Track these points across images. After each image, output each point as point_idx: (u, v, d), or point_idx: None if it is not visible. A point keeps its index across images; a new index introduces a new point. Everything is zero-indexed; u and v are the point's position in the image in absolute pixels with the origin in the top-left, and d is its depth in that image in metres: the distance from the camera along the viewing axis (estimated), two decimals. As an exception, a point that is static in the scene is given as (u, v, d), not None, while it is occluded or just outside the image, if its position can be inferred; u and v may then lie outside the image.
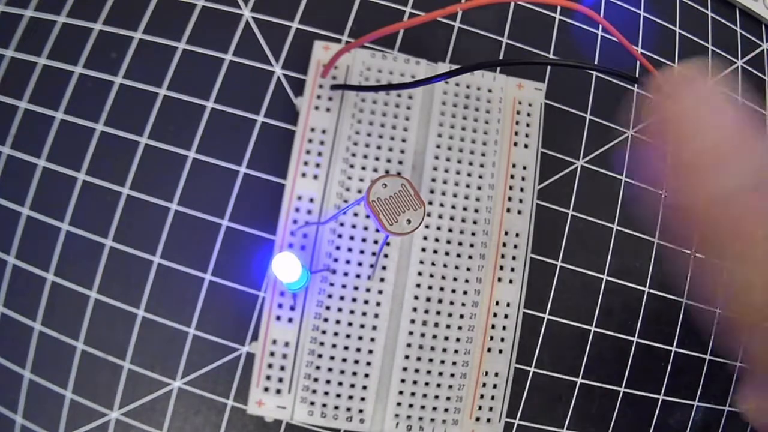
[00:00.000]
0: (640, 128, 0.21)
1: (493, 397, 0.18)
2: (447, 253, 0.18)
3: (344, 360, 0.17)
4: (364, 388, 0.17)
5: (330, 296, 0.17)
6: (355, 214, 0.18)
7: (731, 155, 0.11)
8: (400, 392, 0.17)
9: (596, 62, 0.21)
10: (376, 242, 0.18)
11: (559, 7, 0.22)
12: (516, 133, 0.19)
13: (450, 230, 0.18)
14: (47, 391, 0.17)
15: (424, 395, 0.17)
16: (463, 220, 0.18)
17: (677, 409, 0.20)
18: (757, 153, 0.11)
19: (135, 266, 0.18)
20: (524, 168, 0.19)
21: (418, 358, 0.17)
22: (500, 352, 0.18)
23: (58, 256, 0.18)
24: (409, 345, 0.17)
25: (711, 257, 0.11)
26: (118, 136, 0.19)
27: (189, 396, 0.17)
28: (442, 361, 0.17)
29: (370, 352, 0.17)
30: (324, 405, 0.17)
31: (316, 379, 0.17)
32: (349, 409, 0.17)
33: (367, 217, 0.18)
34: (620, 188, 0.20)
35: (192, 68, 0.19)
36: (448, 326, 0.17)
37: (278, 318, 0.17)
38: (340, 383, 0.17)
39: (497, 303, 0.18)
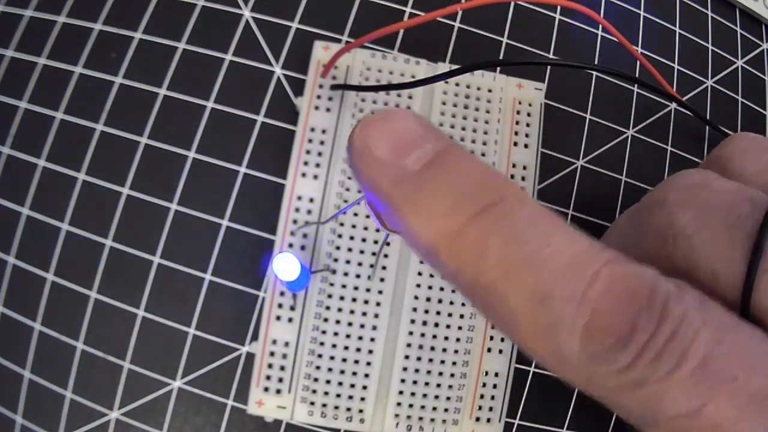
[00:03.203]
0: (640, 128, 0.21)
1: (493, 397, 0.18)
2: (447, 253, 0.18)
3: (344, 360, 0.17)
4: (364, 388, 0.17)
5: (330, 296, 0.17)
6: (355, 214, 0.18)
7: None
8: (400, 392, 0.17)
9: (596, 62, 0.21)
10: (376, 242, 0.18)
11: (559, 7, 0.22)
12: (516, 133, 0.19)
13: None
14: (47, 391, 0.17)
15: (424, 395, 0.17)
16: (463, 220, 0.18)
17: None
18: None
19: (135, 266, 0.18)
20: (524, 168, 0.19)
21: (418, 358, 0.17)
22: (500, 352, 0.18)
23: (58, 256, 0.18)
24: (409, 345, 0.17)
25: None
26: (118, 136, 0.19)
27: (189, 396, 0.17)
28: (442, 361, 0.17)
29: (370, 352, 0.17)
30: (324, 405, 0.17)
31: (316, 379, 0.17)
32: (349, 409, 0.17)
33: (368, 216, 0.18)
34: (620, 188, 0.20)
35: (192, 68, 0.19)
36: (448, 326, 0.17)
37: (278, 318, 0.17)
38: (340, 383, 0.17)
39: (497, 303, 0.18)
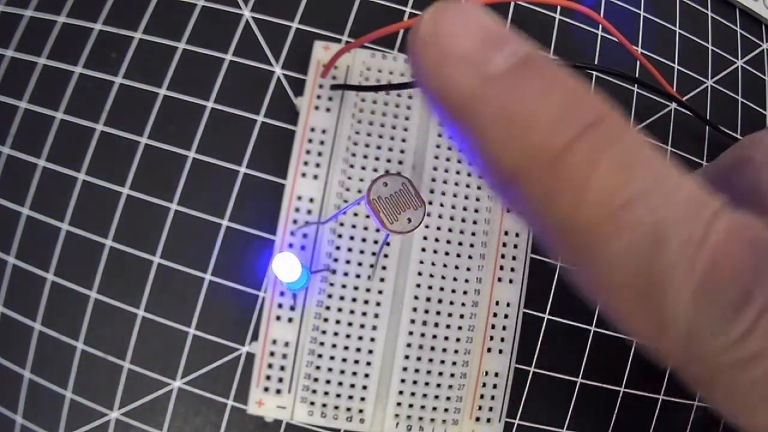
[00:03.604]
0: (640, 128, 0.21)
1: (493, 397, 0.18)
2: (447, 253, 0.18)
3: (344, 360, 0.17)
4: (364, 388, 0.17)
5: (330, 296, 0.17)
6: (355, 214, 0.18)
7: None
8: (400, 392, 0.17)
9: (596, 62, 0.21)
10: (376, 242, 0.18)
11: (559, 7, 0.22)
12: (516, 133, 0.19)
13: (450, 230, 0.18)
14: (47, 391, 0.17)
15: (424, 395, 0.17)
16: (463, 220, 0.18)
17: (677, 409, 0.19)
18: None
19: (135, 266, 0.18)
20: (524, 168, 0.19)
21: (418, 358, 0.17)
22: (500, 352, 0.18)
23: (58, 256, 0.18)
24: (409, 345, 0.17)
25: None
26: (118, 136, 0.19)
27: (189, 396, 0.17)
28: (442, 361, 0.17)
29: (370, 352, 0.17)
30: (324, 405, 0.17)
31: (316, 379, 0.17)
32: (349, 409, 0.17)
33: (368, 216, 0.18)
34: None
35: (192, 68, 0.19)
36: (448, 326, 0.17)
37: (278, 318, 0.17)
38: (340, 383, 0.17)
39: (497, 303, 0.18)
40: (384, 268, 0.18)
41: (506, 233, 0.18)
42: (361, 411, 0.17)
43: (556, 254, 0.09)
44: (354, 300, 0.17)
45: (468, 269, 0.18)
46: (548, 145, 0.07)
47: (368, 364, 0.17)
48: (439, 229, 0.18)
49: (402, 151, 0.18)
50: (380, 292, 0.17)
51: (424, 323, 0.17)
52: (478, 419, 0.17)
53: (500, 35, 0.08)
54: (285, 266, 0.16)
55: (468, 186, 0.18)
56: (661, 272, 0.07)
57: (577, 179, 0.07)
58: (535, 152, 0.07)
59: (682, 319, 0.07)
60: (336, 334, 0.17)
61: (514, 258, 0.18)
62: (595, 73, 0.21)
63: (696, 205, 0.07)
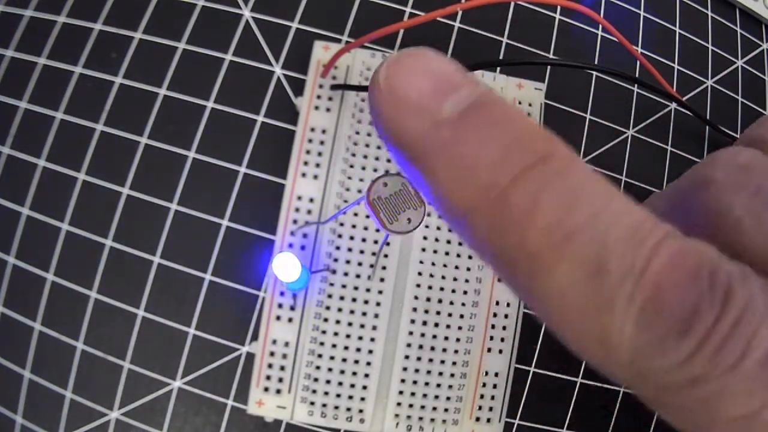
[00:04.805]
0: (640, 128, 0.21)
1: (493, 397, 0.18)
2: (447, 253, 0.18)
3: (344, 360, 0.17)
4: (364, 388, 0.17)
5: (330, 296, 0.17)
6: (355, 214, 0.18)
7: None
8: (400, 392, 0.17)
9: (596, 62, 0.21)
10: (376, 242, 0.18)
11: (559, 7, 0.22)
12: (516, 133, 0.19)
13: (450, 230, 0.18)
14: (47, 391, 0.17)
15: (424, 395, 0.17)
16: (463, 220, 0.18)
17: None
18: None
19: (135, 266, 0.18)
20: (524, 168, 0.19)
21: (418, 358, 0.17)
22: (500, 352, 0.18)
23: (58, 256, 0.18)
24: (409, 345, 0.17)
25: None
26: (118, 136, 0.19)
27: (189, 396, 0.17)
28: (442, 361, 0.17)
29: (370, 352, 0.17)
30: (324, 405, 0.17)
31: (316, 379, 0.17)
32: (349, 409, 0.17)
33: (368, 216, 0.18)
34: (620, 188, 0.20)
35: (192, 68, 0.19)
36: (448, 326, 0.17)
37: (278, 318, 0.17)
38: (340, 383, 0.17)
39: (497, 303, 0.18)
40: (384, 268, 0.18)
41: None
42: (361, 411, 0.17)
43: (507, 284, 0.09)
44: (354, 300, 0.17)
45: (468, 269, 0.18)
46: (493, 184, 0.08)
47: (368, 364, 0.17)
48: (439, 229, 0.18)
49: (402, 151, 0.18)
50: (380, 292, 0.17)
51: (424, 323, 0.17)
52: (478, 419, 0.17)
53: (452, 82, 0.08)
54: (285, 266, 0.16)
55: (468, 186, 0.18)
56: (604, 300, 0.08)
57: (521, 215, 0.08)
58: (481, 192, 0.08)
59: (627, 345, 0.07)
60: (336, 334, 0.17)
61: (514, 258, 0.18)
62: (595, 73, 0.21)
63: (639, 235, 0.08)
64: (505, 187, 0.08)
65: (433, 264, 0.18)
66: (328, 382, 0.17)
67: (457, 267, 0.18)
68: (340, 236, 0.18)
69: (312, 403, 0.17)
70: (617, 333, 0.08)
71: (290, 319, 0.17)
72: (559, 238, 0.08)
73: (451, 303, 0.18)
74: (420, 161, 0.08)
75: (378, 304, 0.17)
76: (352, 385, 0.17)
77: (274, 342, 0.17)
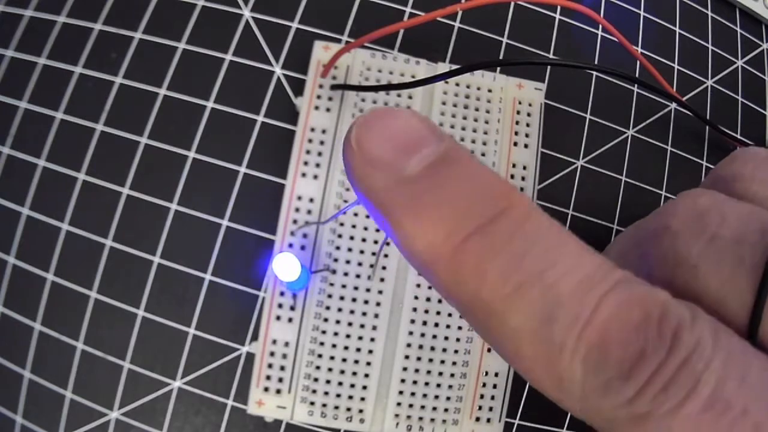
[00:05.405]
0: (640, 128, 0.21)
1: (493, 397, 0.18)
2: (447, 253, 0.18)
3: (344, 360, 0.17)
4: (364, 388, 0.17)
5: (330, 296, 0.17)
6: (355, 214, 0.18)
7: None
8: (400, 392, 0.17)
9: (596, 62, 0.21)
10: (376, 242, 0.18)
11: (559, 7, 0.22)
12: (516, 133, 0.19)
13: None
14: (47, 391, 0.17)
15: (424, 395, 0.17)
16: (463, 220, 0.18)
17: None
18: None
19: (135, 266, 0.18)
20: (524, 168, 0.19)
21: (418, 358, 0.17)
22: (500, 352, 0.18)
23: (58, 256, 0.18)
24: (409, 345, 0.17)
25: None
26: (118, 136, 0.19)
27: (189, 396, 0.17)
28: (442, 361, 0.17)
29: (370, 352, 0.17)
30: (324, 405, 0.17)
31: (316, 379, 0.17)
32: (349, 409, 0.17)
33: (368, 216, 0.18)
34: (620, 188, 0.21)
35: (192, 68, 0.19)
36: (448, 326, 0.17)
37: (278, 318, 0.17)
38: (340, 383, 0.17)
39: (497, 303, 0.18)
40: (384, 268, 0.18)
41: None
42: (361, 411, 0.17)
43: (472, 327, 0.10)
44: (354, 300, 0.17)
45: (468, 269, 0.18)
46: (450, 238, 0.08)
47: (368, 364, 0.17)
48: (439, 229, 0.18)
49: (402, 151, 0.18)
50: (380, 292, 0.17)
51: (424, 323, 0.17)
52: (478, 419, 0.17)
53: (417, 140, 0.09)
54: (285, 266, 0.16)
55: (468, 186, 0.18)
56: (554, 346, 0.08)
57: (476, 268, 0.08)
58: (440, 245, 0.09)
59: (577, 386, 0.08)
60: (336, 334, 0.17)
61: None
62: (595, 73, 0.21)
63: (588, 284, 0.08)
64: (461, 241, 0.08)
65: (433, 264, 0.18)
66: (328, 382, 0.17)
67: (457, 267, 0.18)
68: (340, 236, 0.18)
69: (312, 403, 0.17)
70: (568, 377, 0.08)
71: (290, 319, 0.17)
72: (511, 291, 0.08)
73: (451, 303, 0.18)
74: (386, 214, 0.09)
75: (378, 304, 0.17)
76: (352, 385, 0.17)
77: (274, 342, 0.17)
